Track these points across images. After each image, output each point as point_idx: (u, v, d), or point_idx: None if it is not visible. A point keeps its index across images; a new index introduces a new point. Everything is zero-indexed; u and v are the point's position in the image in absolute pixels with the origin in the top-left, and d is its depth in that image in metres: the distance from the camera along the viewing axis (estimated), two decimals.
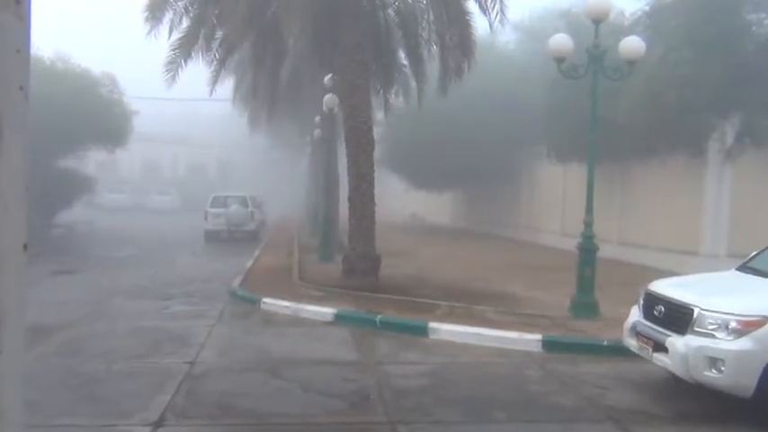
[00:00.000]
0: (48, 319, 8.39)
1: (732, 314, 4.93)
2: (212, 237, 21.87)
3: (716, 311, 5.02)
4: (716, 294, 5.38)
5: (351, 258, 11.08)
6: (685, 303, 5.28)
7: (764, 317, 4.84)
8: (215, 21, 11.33)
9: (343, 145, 11.51)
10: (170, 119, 46.10)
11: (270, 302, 9.73)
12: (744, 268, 6.12)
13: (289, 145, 32.53)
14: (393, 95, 14.74)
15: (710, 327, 5.01)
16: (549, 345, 7.28)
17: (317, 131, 19.73)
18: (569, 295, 8.85)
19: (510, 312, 8.70)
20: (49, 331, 7.80)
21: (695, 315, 5.12)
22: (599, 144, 9.18)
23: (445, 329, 7.86)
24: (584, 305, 8.59)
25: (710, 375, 4.94)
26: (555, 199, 19.41)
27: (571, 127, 14.43)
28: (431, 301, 9.36)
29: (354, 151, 11.03)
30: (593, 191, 8.75)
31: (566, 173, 18.13)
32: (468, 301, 9.31)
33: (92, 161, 30.95)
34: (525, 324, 8.02)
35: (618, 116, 12.95)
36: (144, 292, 11.25)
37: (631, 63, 8.63)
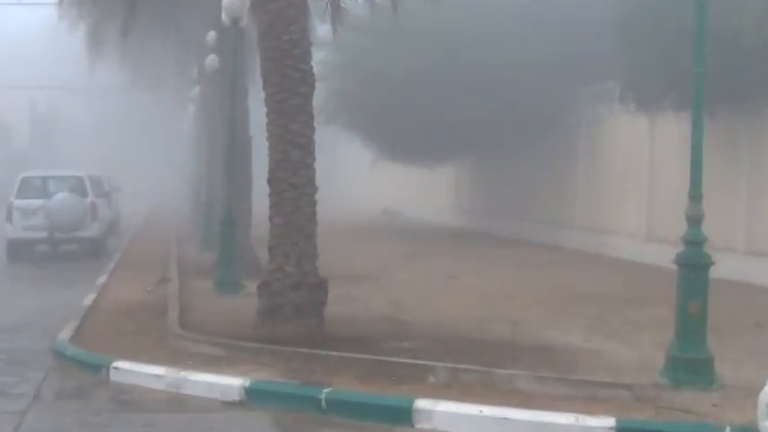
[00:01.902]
0: None
1: None
2: (21, 250, 21.87)
3: None
4: None
5: (273, 286, 11.18)
6: None
7: None
8: None
9: (259, 84, 11.70)
10: None
11: (127, 369, 9.77)
12: None
13: (160, 84, 32.38)
14: None
15: None
16: None
17: (210, 59, 19.91)
18: (662, 347, 8.92)
19: (559, 379, 8.77)
20: None
21: None
22: (711, 81, 9.10)
23: (444, 412, 7.92)
24: (690, 364, 8.61)
25: None
26: (634, 176, 19.55)
27: (661, 52, 14.65)
28: (417, 362, 9.46)
29: (278, 95, 11.14)
30: (701, 161, 8.75)
31: (653, 130, 18.32)
32: (483, 361, 9.39)
33: None
34: (587, 399, 8.09)
35: (742, 33, 13.03)
36: None
37: None
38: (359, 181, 35.58)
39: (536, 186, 24.36)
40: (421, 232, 27.75)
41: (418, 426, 7.90)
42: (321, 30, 16.71)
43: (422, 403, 8.07)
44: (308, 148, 11.25)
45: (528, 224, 24.74)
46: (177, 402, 8.91)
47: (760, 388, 6.14)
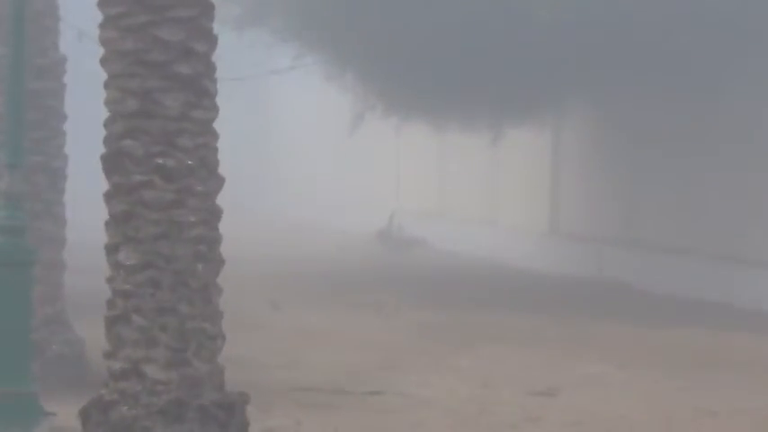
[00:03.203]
0: None
1: None
2: None
3: None
4: None
5: (118, 412, 8.09)
6: None
7: None
8: None
9: None
10: None
11: None
12: None
13: None
14: None
15: None
16: None
17: None
18: None
19: None
20: None
21: None
22: None
23: None
24: None
25: None
26: None
27: None
28: None
29: None
30: None
31: None
32: None
33: None
34: None
35: None
36: None
37: None
38: (324, 165, 25.88)
39: (755, 183, 16.28)
40: (468, 285, 19.75)
41: None
42: None
43: None
44: (198, 86, 7.73)
45: (732, 270, 16.55)
46: None
47: None
